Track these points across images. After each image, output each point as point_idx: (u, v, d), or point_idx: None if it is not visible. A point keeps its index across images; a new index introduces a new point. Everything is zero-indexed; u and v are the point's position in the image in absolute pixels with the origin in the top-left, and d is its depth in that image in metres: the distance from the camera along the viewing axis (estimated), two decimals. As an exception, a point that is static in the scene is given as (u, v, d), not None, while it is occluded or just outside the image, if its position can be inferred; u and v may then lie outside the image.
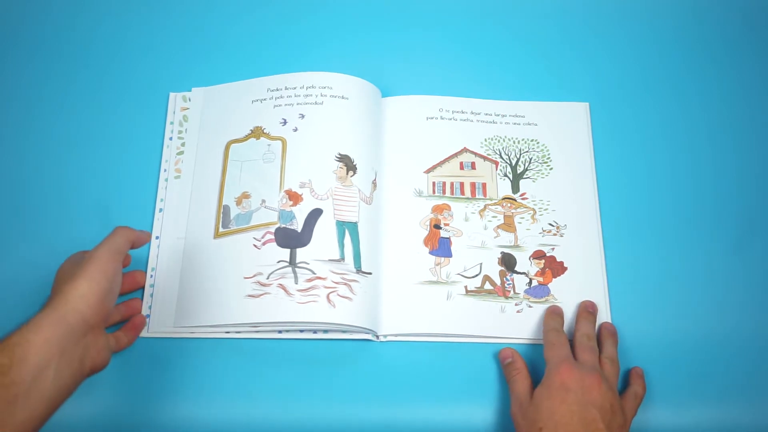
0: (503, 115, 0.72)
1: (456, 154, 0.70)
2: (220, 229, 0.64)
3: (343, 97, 0.68)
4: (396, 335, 0.63)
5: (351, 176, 0.65)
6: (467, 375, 0.62)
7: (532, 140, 0.71)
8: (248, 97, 0.70)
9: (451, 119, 0.71)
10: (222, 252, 0.63)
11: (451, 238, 0.66)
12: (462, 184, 0.68)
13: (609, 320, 0.64)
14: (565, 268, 0.65)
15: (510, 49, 0.77)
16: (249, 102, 0.69)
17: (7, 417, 0.44)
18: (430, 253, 0.66)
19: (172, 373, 0.62)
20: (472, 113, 0.72)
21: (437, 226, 0.67)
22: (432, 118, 0.71)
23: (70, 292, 0.50)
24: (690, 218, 0.69)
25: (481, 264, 0.65)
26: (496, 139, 0.71)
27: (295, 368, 0.63)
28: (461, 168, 0.69)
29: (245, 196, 0.65)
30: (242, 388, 0.62)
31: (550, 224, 0.67)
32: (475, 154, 0.70)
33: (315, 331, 0.62)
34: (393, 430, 0.61)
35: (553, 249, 0.66)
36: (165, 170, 0.68)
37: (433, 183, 0.68)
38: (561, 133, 0.71)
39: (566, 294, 0.64)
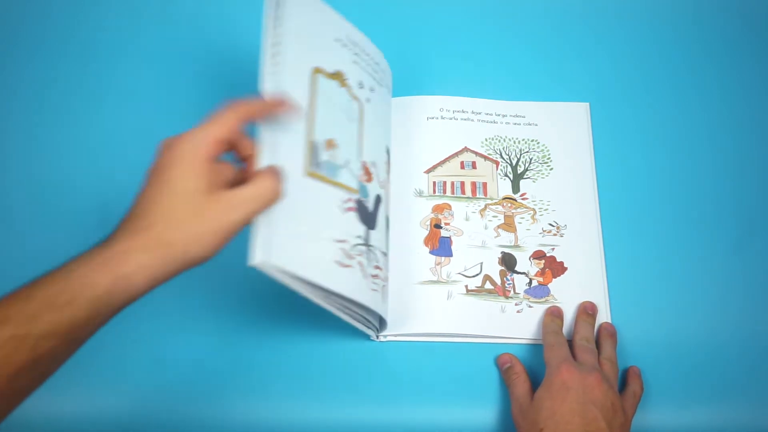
0: (504, 115, 0.72)
1: (456, 154, 0.70)
2: (310, 168, 0.53)
3: (388, 89, 0.67)
4: (396, 335, 0.63)
5: (389, 173, 0.65)
6: (467, 375, 0.62)
7: (532, 140, 0.70)
8: (331, 31, 0.59)
9: (451, 119, 0.71)
10: (314, 198, 0.53)
11: (452, 238, 0.66)
12: (462, 184, 0.68)
13: (609, 320, 0.64)
14: (565, 269, 0.65)
15: (510, 49, 0.77)
16: (332, 38, 0.59)
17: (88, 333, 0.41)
18: (431, 252, 0.66)
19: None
20: (472, 113, 0.72)
21: (438, 226, 0.67)
22: (432, 117, 0.71)
23: (178, 253, 0.42)
24: (690, 218, 0.69)
25: (481, 263, 0.65)
26: (496, 139, 0.70)
27: (294, 368, 0.62)
28: (462, 167, 0.69)
29: (332, 144, 0.56)
30: (238, 385, 0.62)
31: (550, 224, 0.67)
32: (476, 153, 0.70)
33: (343, 311, 0.56)
34: (393, 431, 0.61)
35: (553, 249, 0.66)
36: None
37: (434, 183, 0.68)
38: (561, 133, 0.71)
39: (566, 294, 0.64)
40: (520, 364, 0.61)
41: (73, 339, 0.40)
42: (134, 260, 0.41)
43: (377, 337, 0.62)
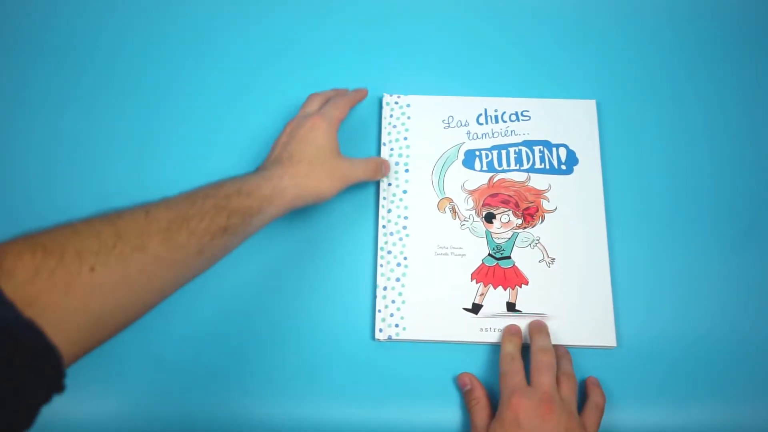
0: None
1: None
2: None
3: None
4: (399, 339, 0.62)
5: None
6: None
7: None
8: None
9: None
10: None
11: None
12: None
13: (612, 319, 0.62)
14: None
15: (511, 46, 0.74)
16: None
17: (237, 246, 0.52)
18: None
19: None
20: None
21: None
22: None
23: (312, 185, 0.56)
24: (693, 219, 0.66)
25: None
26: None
27: (293, 367, 0.61)
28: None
29: None
30: (237, 386, 0.61)
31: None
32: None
33: None
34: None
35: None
36: None
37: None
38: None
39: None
40: (481, 387, 0.59)
41: (247, 224, 0.51)
42: (287, 180, 0.55)
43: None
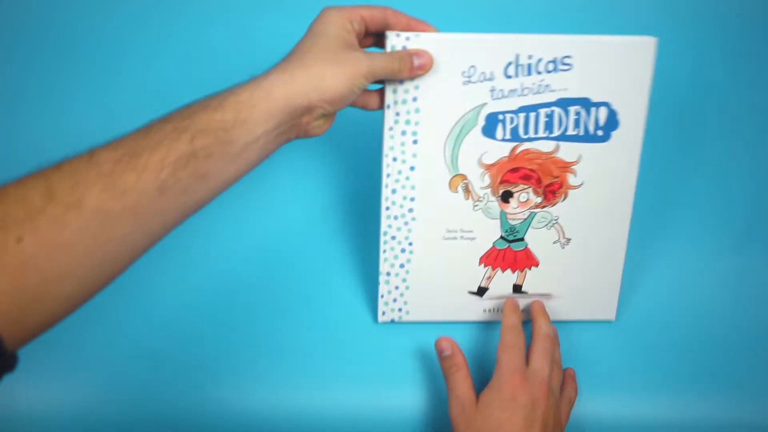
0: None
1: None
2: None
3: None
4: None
5: None
6: (471, 354, 0.61)
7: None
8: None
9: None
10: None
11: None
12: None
13: (614, 308, 0.62)
14: None
15: None
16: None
17: (230, 173, 0.44)
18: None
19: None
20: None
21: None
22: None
23: (312, 77, 0.46)
24: (693, 218, 0.66)
25: None
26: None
27: (292, 350, 0.61)
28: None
29: None
30: (241, 372, 0.61)
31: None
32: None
33: None
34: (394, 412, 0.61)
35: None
36: None
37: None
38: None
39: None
40: (461, 354, 0.57)
41: (224, 142, 0.43)
42: (273, 77, 0.46)
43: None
